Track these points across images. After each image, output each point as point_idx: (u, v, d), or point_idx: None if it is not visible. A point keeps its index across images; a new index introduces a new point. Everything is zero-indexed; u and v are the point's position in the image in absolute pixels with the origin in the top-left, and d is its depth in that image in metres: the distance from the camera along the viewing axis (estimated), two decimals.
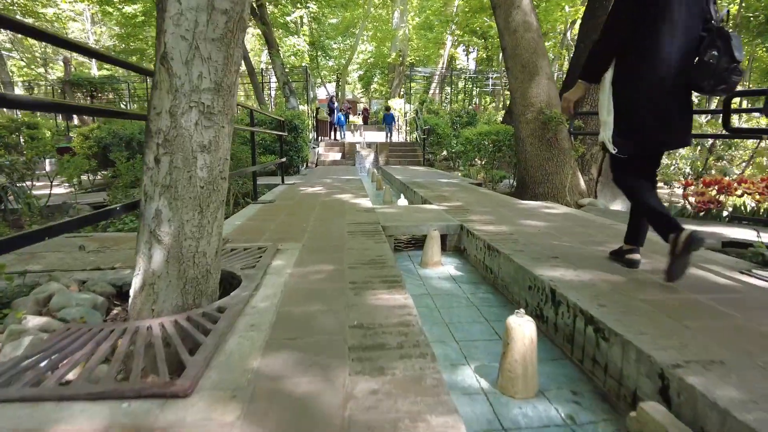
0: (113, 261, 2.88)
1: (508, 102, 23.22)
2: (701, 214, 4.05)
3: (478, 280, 2.85)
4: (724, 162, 6.85)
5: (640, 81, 2.02)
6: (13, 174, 5.88)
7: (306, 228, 3.34)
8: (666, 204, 7.36)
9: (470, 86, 25.58)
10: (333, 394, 1.15)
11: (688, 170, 6.70)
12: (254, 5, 13.32)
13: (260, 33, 16.99)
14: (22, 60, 25.12)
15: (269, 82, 20.10)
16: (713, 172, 6.68)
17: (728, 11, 2.31)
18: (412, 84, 24.46)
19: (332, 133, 18.88)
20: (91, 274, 2.60)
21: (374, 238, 2.96)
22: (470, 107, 21.57)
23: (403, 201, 5.66)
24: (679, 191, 8.54)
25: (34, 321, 1.93)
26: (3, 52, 20.45)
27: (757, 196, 3.87)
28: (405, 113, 19.92)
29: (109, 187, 7.15)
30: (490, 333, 2.06)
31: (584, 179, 5.65)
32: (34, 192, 6.96)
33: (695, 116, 7.10)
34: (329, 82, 31.85)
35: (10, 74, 22.17)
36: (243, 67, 15.88)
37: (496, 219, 3.70)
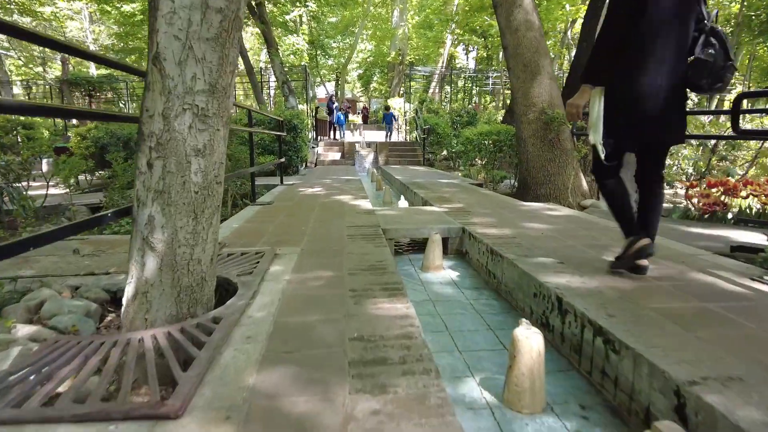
0: (108, 265, 2.82)
1: (508, 101, 23.15)
2: (706, 216, 3.98)
3: (481, 285, 2.79)
4: (727, 163, 6.79)
5: (636, 79, 2.04)
6: (8, 175, 5.81)
7: (305, 231, 3.28)
8: (669, 205, 7.30)
9: (470, 85, 25.50)
10: (332, 414, 1.09)
11: (690, 171, 6.64)
12: (253, 4, 13.24)
13: (259, 32, 16.91)
14: (20, 59, 25.01)
15: (268, 81, 20.00)
16: (715, 172, 6.63)
17: (717, 12, 2.32)
18: (412, 83, 24.37)
19: (332, 132, 18.79)
20: (84, 279, 2.54)
21: (374, 242, 2.90)
22: (470, 106, 21.50)
23: (403, 202, 5.60)
24: (681, 191, 8.48)
25: (23, 330, 1.87)
26: (1, 51, 20.36)
27: (763, 198, 3.81)
28: (405, 112, 19.85)
29: (106, 187, 7.08)
30: (494, 342, 2.00)
31: (586, 180, 5.59)
32: (31, 192, 6.88)
33: (698, 117, 7.05)
34: (328, 81, 31.76)
35: (8, 73, 22.07)
36: (242, 67, 15.80)
37: (498, 221, 3.64)
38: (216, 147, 1.74)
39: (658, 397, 1.30)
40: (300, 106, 15.30)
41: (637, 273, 2.22)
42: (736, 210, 4.04)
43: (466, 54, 30.96)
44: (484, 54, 26.07)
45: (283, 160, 6.97)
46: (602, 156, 2.16)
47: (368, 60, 31.74)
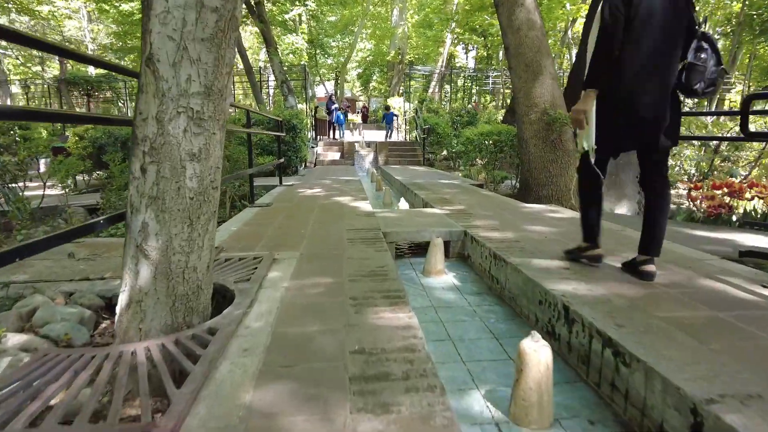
0: (104, 269, 2.76)
1: (508, 100, 23.08)
2: (711, 218, 3.93)
3: (484, 290, 2.74)
4: (729, 164, 6.74)
5: (632, 81, 2.07)
6: (5, 175, 5.74)
7: (304, 234, 3.22)
8: (672, 206, 7.25)
9: (469, 85, 25.43)
10: None
11: (693, 171, 6.59)
12: (252, 2, 13.16)
13: (258, 31, 16.83)
14: (18, 58, 24.90)
15: (267, 80, 19.92)
16: (716, 173, 6.57)
17: (706, 17, 2.34)
18: (412, 82, 24.29)
19: (331, 131, 18.72)
20: (79, 284, 2.48)
21: (375, 246, 2.84)
22: (470, 106, 21.43)
23: (403, 204, 5.54)
24: (683, 191, 8.43)
25: (14, 339, 1.81)
26: None
27: None
28: (404, 112, 19.77)
29: (103, 188, 7.01)
30: (498, 351, 1.94)
31: None
32: (28, 193, 6.81)
33: (701, 118, 6.99)
34: (328, 80, 31.67)
35: (7, 72, 21.98)
36: (240, 66, 15.73)
37: (500, 224, 3.58)
38: (212, 151, 1.69)
39: (673, 414, 1.25)
40: (299, 106, 15.22)
41: (644, 279, 2.17)
42: (741, 212, 3.98)
43: (466, 53, 30.88)
44: (484, 53, 25.99)
45: (282, 160, 6.91)
46: (592, 160, 2.22)
47: (368, 59, 31.64)
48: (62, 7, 20.62)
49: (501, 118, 13.97)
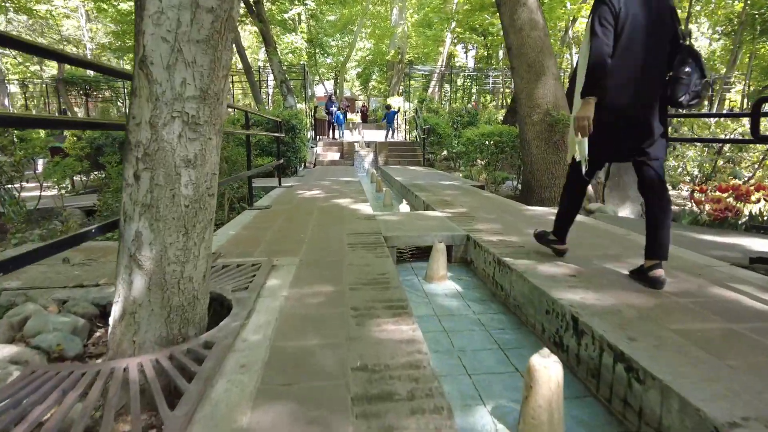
0: (99, 276, 2.70)
1: (508, 100, 23.01)
2: (716, 222, 3.87)
3: (488, 297, 2.67)
4: (732, 165, 6.67)
5: (620, 94, 2.14)
6: (0, 177, 5.67)
7: (303, 239, 3.16)
8: (675, 207, 7.19)
9: (469, 84, 25.35)
10: None
11: (696, 172, 6.53)
12: (251, 1, 13.07)
13: (257, 30, 16.74)
14: (17, 57, 24.79)
15: (266, 80, 19.83)
16: (719, 174, 6.52)
17: (690, 31, 2.38)
18: (411, 82, 24.21)
19: (330, 131, 18.63)
20: (72, 292, 2.42)
21: (376, 251, 2.78)
22: (469, 105, 21.35)
23: (404, 206, 5.47)
24: (685, 193, 8.37)
25: (4, 351, 1.75)
26: None
27: None
28: (404, 112, 19.70)
29: (101, 189, 6.94)
30: (505, 364, 1.88)
31: (592, 183, 5.47)
32: (25, 194, 6.74)
33: (704, 119, 6.93)
34: (327, 79, 31.56)
35: (5, 72, 21.88)
36: (240, 65, 15.64)
37: (503, 228, 3.52)
38: (208, 157, 1.62)
39: None
40: (299, 105, 15.15)
41: (653, 287, 2.11)
42: (746, 216, 3.92)
43: (466, 53, 30.81)
44: (485, 53, 25.92)
45: (281, 161, 6.84)
46: (584, 170, 2.30)
47: (367, 58, 31.54)
48: (60, 6, 20.51)
49: (501, 118, 13.89)
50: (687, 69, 2.04)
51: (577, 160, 2.31)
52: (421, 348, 1.49)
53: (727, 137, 6.31)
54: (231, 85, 21.87)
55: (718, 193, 4.03)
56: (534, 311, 2.17)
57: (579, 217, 4.10)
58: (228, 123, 8.21)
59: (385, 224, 3.66)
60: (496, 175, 8.13)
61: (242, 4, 13.10)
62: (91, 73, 18.81)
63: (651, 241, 2.18)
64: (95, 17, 23.19)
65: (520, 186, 7.60)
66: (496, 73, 23.09)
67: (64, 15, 22.44)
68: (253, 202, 4.79)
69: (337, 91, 29.23)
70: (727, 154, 6.42)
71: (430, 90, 23.85)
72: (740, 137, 6.14)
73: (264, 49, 16.55)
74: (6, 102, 19.67)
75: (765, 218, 3.86)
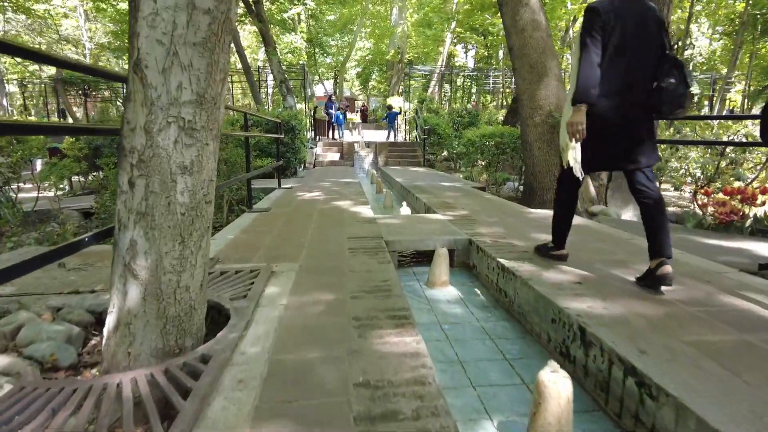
0: (95, 281, 2.65)
1: (509, 100, 22.95)
2: (722, 225, 3.82)
3: (491, 303, 2.62)
4: (733, 166, 6.62)
5: (608, 103, 2.18)
6: None
7: (303, 243, 3.11)
8: (677, 209, 7.14)
9: (469, 84, 25.30)
10: None
11: (699, 174, 6.47)
12: (250, 1, 13.01)
13: (256, 30, 16.67)
14: (15, 57, 24.68)
15: (266, 80, 19.76)
16: (722, 175, 6.46)
17: (678, 40, 2.36)
18: (411, 82, 24.15)
19: (330, 131, 18.57)
20: (67, 298, 2.37)
21: (377, 257, 2.73)
22: (469, 105, 21.30)
23: (405, 209, 5.42)
24: (687, 194, 8.32)
25: None
26: None
27: None
28: (405, 112, 19.64)
29: (99, 191, 6.88)
30: (510, 375, 1.83)
31: (594, 185, 5.42)
32: (24, 195, 6.69)
33: (708, 121, 6.86)
34: (327, 79, 31.49)
35: (4, 71, 21.79)
36: (239, 65, 15.58)
37: (506, 232, 3.47)
38: (205, 163, 1.57)
39: None
40: (298, 106, 15.08)
41: (663, 283, 2.10)
42: (751, 219, 3.87)
43: (466, 52, 30.76)
44: (485, 53, 25.87)
45: (280, 162, 6.78)
46: (580, 176, 2.32)
47: (367, 58, 31.47)
48: (59, 5, 20.44)
49: (502, 118, 13.84)
50: (671, 80, 2.10)
51: (570, 165, 2.34)
52: (425, 362, 1.44)
53: (730, 138, 6.26)
54: (230, 85, 21.81)
55: (722, 196, 3.98)
56: (539, 319, 2.12)
57: (582, 220, 4.05)
58: (227, 123, 8.15)
59: (386, 228, 3.61)
60: (497, 176, 8.08)
61: (241, 4, 13.03)
62: None
63: (653, 242, 2.18)
64: (94, 17, 23.11)
65: (521, 187, 7.55)
66: (496, 73, 23.04)
67: (62, 15, 22.37)
68: (252, 204, 4.74)
69: (337, 90, 29.15)
70: (731, 155, 6.36)
71: (430, 90, 23.79)
72: (744, 138, 6.09)
73: (263, 48, 16.48)
74: (4, 102, 19.60)
75: None
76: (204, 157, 1.56)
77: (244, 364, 1.46)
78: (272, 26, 15.89)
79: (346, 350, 1.53)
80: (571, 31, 19.62)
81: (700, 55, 25.76)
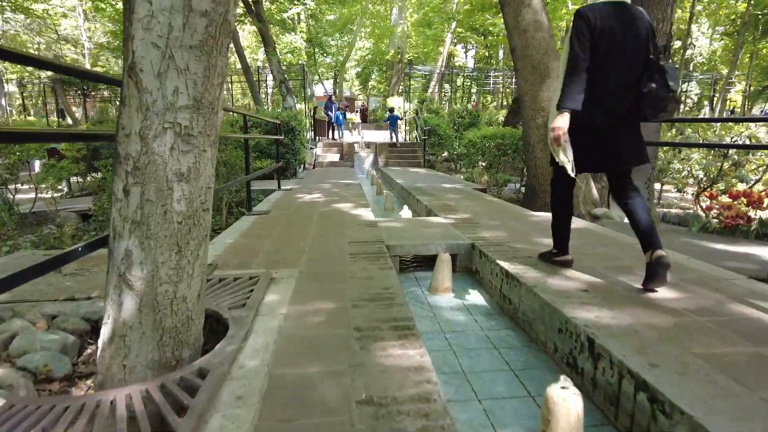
0: (91, 287, 2.60)
1: (509, 100, 22.89)
2: (727, 229, 3.77)
3: (495, 310, 2.58)
4: (735, 168, 6.57)
5: (592, 107, 2.22)
6: None
7: (303, 248, 3.06)
8: (679, 211, 7.10)
9: (469, 84, 25.26)
10: None
11: (701, 175, 6.43)
12: (250, 1, 12.95)
13: (256, 30, 16.60)
14: None
15: (266, 80, 19.70)
16: (725, 177, 6.41)
17: (665, 45, 2.52)
18: (411, 82, 24.10)
19: (330, 131, 18.52)
20: (63, 306, 2.32)
21: (379, 263, 2.68)
22: (469, 105, 21.25)
23: (406, 211, 5.37)
24: (689, 195, 8.27)
25: None
26: None
27: None
28: (405, 112, 19.58)
29: (97, 192, 6.83)
30: (516, 387, 1.78)
31: (597, 187, 5.38)
32: (21, 196, 6.63)
33: (710, 123, 6.81)
34: (327, 79, 31.43)
35: (3, 71, 21.73)
36: (238, 65, 15.52)
37: (509, 236, 3.42)
38: (202, 170, 1.52)
39: None
40: (298, 106, 15.03)
41: (663, 267, 2.12)
42: (757, 222, 3.82)
43: (465, 53, 30.71)
44: (485, 53, 25.83)
45: (280, 163, 6.73)
46: (573, 174, 2.32)
47: (366, 58, 31.41)
48: (57, 5, 20.37)
49: (502, 118, 13.80)
50: (653, 84, 2.15)
51: (560, 164, 2.36)
52: (430, 377, 1.39)
53: (734, 140, 6.22)
54: (230, 86, 21.75)
55: (727, 199, 3.93)
56: (545, 328, 2.07)
57: (585, 224, 4.01)
58: (226, 124, 8.09)
59: (387, 232, 3.56)
60: (498, 177, 8.03)
61: (241, 4, 12.97)
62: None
63: (643, 238, 2.24)
64: (93, 16, 23.04)
65: (522, 189, 7.51)
66: (496, 74, 23.00)
67: (61, 14, 22.31)
68: (251, 206, 4.69)
69: (337, 90, 29.10)
70: (733, 156, 6.31)
71: (430, 90, 23.75)
72: (747, 139, 6.05)
73: (263, 48, 16.42)
74: (3, 102, 19.54)
75: None
76: (201, 163, 1.51)
77: (243, 379, 1.41)
78: (272, 26, 15.83)
79: (347, 364, 1.48)
80: None
81: (701, 55, 25.74)
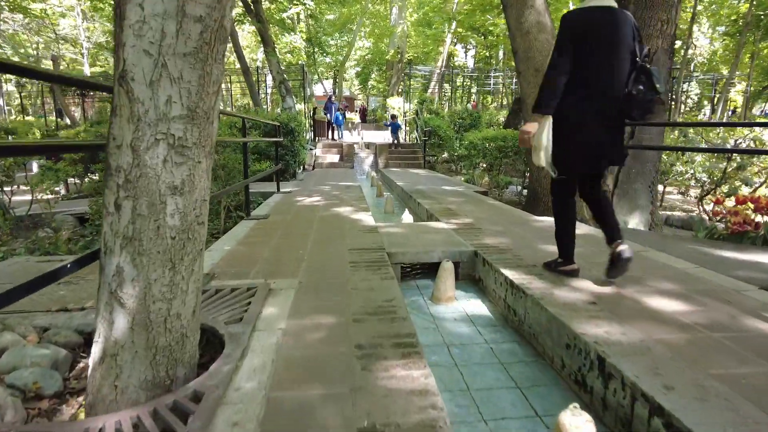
0: (85, 297, 2.53)
1: (509, 100, 22.83)
2: (734, 236, 3.71)
3: (500, 321, 2.51)
4: (739, 171, 6.51)
5: (581, 108, 2.27)
6: None
7: (303, 256, 2.99)
8: (682, 214, 7.05)
9: (469, 84, 25.19)
10: None
11: (704, 178, 6.37)
12: (249, 1, 12.87)
13: (255, 30, 16.53)
14: (13, 57, 24.55)
15: (265, 80, 19.62)
16: (729, 180, 6.36)
17: (649, 48, 2.60)
18: (411, 82, 24.03)
19: (329, 132, 18.45)
20: (55, 317, 2.26)
21: (380, 272, 2.61)
22: (468, 105, 21.19)
23: (407, 215, 5.31)
24: (691, 198, 8.21)
25: None
26: None
27: None
28: (404, 112, 19.52)
29: (94, 194, 6.76)
30: (524, 406, 1.71)
31: None
32: (18, 198, 6.56)
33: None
34: (326, 78, 31.35)
35: None
36: (237, 66, 15.45)
37: (513, 243, 3.35)
38: (197, 183, 1.45)
39: None
40: (297, 106, 14.95)
41: (623, 261, 2.25)
42: (764, 228, 3.76)
43: (465, 53, 30.65)
44: (485, 53, 25.77)
45: (280, 166, 6.67)
46: (554, 175, 2.40)
47: (366, 58, 31.35)
48: (56, 5, 20.29)
49: (503, 119, 13.74)
50: (639, 86, 2.19)
51: (541, 165, 2.39)
52: (435, 402, 1.33)
53: (738, 142, 6.16)
54: (229, 86, 21.68)
55: (734, 204, 3.87)
56: (552, 343, 2.00)
57: (589, 229, 3.94)
58: (225, 126, 8.02)
59: (388, 238, 3.49)
60: (500, 179, 7.97)
61: (240, 4, 12.90)
62: (87, 73, 18.58)
63: (607, 231, 2.37)
64: (91, 16, 22.95)
65: (524, 191, 7.44)
66: (496, 74, 22.93)
67: (60, 14, 22.22)
68: (250, 211, 4.62)
69: (336, 90, 29.01)
70: (738, 159, 6.26)
71: (430, 90, 23.69)
72: (751, 142, 5.99)
73: (262, 48, 16.33)
74: (1, 101, 19.47)
75: None
76: (196, 175, 1.44)
77: (239, 403, 1.35)
78: (271, 26, 15.75)
79: (348, 387, 1.42)
80: None
81: (701, 55, 25.69)
